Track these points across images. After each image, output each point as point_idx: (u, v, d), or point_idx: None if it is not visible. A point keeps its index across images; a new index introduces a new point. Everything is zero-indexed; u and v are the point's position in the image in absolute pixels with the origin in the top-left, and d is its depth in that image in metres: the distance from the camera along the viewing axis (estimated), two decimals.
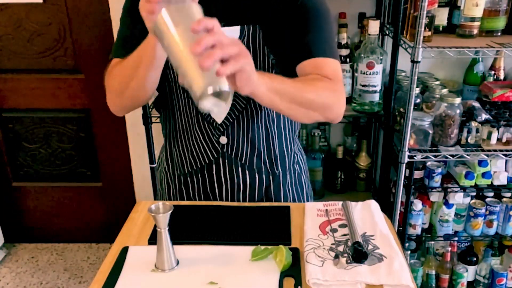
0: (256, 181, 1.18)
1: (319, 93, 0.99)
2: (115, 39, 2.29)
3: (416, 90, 1.88)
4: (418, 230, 2.04)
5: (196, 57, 0.71)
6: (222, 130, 1.12)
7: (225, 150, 1.14)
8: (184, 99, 1.12)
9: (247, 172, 1.17)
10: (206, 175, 1.18)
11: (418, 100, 1.93)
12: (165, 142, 1.26)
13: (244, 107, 1.11)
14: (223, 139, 1.13)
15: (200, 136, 1.14)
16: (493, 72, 2.03)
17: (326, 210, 1.10)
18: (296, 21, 1.06)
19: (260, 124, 1.14)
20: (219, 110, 0.72)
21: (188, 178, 1.21)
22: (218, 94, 0.72)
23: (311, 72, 1.04)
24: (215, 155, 1.15)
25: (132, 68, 0.98)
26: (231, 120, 1.11)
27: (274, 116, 1.15)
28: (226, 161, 1.15)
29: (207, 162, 1.16)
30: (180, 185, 1.23)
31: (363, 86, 1.86)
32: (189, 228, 1.04)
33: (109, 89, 1.08)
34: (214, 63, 0.70)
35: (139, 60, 0.95)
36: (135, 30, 1.06)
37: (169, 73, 1.11)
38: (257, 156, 1.16)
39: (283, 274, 0.89)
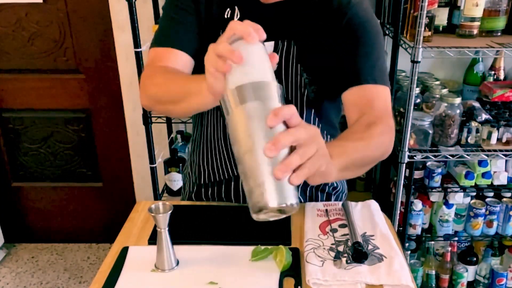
0: None
1: (379, 145, 0.91)
2: (115, 39, 2.32)
3: (416, 90, 1.88)
4: (418, 230, 2.04)
5: (267, 159, 0.58)
6: None
7: None
8: (213, 109, 1.07)
9: None
10: (223, 190, 1.14)
11: (418, 100, 1.93)
12: (191, 146, 1.22)
13: None
14: None
15: (224, 150, 1.10)
16: (493, 72, 2.03)
17: (326, 210, 1.10)
18: (342, 41, 0.98)
19: None
20: (275, 218, 0.63)
21: (203, 189, 1.18)
22: (281, 210, 0.60)
23: (360, 103, 0.96)
24: (235, 173, 1.10)
25: (176, 97, 0.89)
26: None
27: None
28: None
29: (226, 177, 1.12)
30: (196, 194, 1.20)
31: None
32: (189, 228, 1.04)
33: (145, 91, 0.98)
34: (290, 172, 0.59)
35: (186, 96, 0.86)
36: (180, 25, 1.02)
37: None
38: None
39: (283, 274, 0.89)
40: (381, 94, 0.97)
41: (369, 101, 0.95)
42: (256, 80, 0.62)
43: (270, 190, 0.58)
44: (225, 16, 1.03)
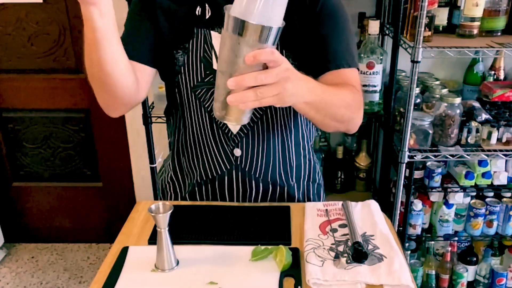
0: (269, 192, 1.15)
1: (347, 104, 0.96)
2: None
3: (416, 90, 1.88)
4: (418, 230, 2.04)
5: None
6: (236, 141, 1.09)
7: (238, 163, 1.11)
8: (197, 108, 1.08)
9: (260, 184, 1.13)
10: (217, 186, 1.15)
11: (418, 100, 1.93)
12: (172, 151, 1.22)
13: (260, 117, 1.07)
14: (237, 151, 1.10)
15: (214, 146, 1.11)
16: (493, 72, 2.03)
17: (326, 210, 1.10)
18: (316, 28, 1.03)
19: (277, 135, 1.10)
20: (234, 128, 0.81)
21: (196, 188, 1.18)
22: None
23: (335, 83, 1.00)
24: (228, 167, 1.12)
25: (89, 53, 0.89)
26: (246, 131, 1.08)
27: (292, 126, 1.11)
28: (239, 173, 1.12)
29: (219, 173, 1.13)
30: (189, 194, 1.20)
31: (363, 86, 1.86)
32: (189, 228, 1.04)
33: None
34: (239, 103, 0.72)
35: (89, 43, 0.88)
36: (135, 35, 1.04)
37: (180, 80, 1.07)
38: (272, 168, 1.13)
39: (283, 274, 0.89)
40: (353, 76, 1.04)
41: (343, 82, 1.01)
42: (259, 23, 0.68)
43: (222, 107, 0.76)
44: (196, 14, 1.04)
